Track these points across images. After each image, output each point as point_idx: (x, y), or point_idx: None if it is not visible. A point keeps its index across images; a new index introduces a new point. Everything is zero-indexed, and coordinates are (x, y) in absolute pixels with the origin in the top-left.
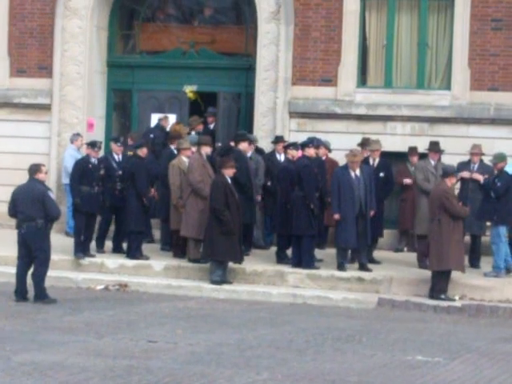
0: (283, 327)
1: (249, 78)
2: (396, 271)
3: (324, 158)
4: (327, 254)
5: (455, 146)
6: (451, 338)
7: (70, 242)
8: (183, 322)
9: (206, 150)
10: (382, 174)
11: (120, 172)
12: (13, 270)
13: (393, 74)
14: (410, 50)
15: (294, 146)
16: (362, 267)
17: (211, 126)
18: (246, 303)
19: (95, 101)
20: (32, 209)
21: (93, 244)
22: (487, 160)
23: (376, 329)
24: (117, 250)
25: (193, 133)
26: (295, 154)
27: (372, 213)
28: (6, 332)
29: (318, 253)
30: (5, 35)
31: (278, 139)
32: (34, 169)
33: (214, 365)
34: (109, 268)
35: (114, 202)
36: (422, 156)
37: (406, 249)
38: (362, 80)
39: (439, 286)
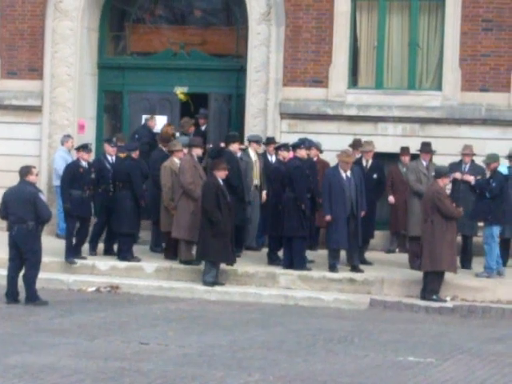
0: (275, 328)
1: (240, 79)
2: (388, 272)
3: (315, 159)
4: (319, 255)
5: (446, 146)
6: (443, 338)
7: (60, 243)
8: (175, 324)
9: (197, 152)
10: (375, 176)
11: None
12: (4, 272)
13: (384, 74)
14: (400, 50)
15: (285, 147)
16: (354, 268)
17: (203, 128)
18: (238, 305)
19: (86, 102)
20: (23, 211)
21: (85, 246)
22: (479, 160)
23: (368, 330)
24: (108, 251)
25: (177, 134)
26: (286, 155)
27: (363, 213)
28: None
29: (310, 254)
30: None
31: (269, 140)
32: (25, 171)
33: (206, 366)
34: (100, 270)
35: (108, 203)
36: (414, 157)
37: (397, 250)
38: (353, 81)
39: (432, 286)
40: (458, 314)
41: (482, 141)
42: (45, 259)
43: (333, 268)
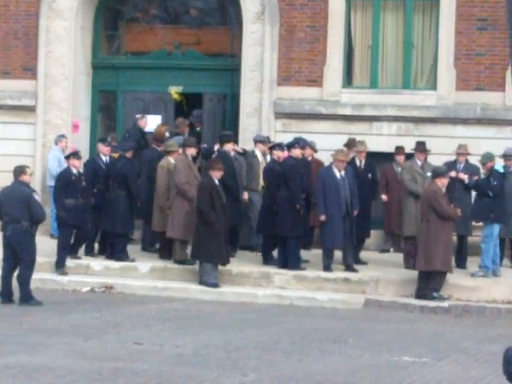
0: (270, 328)
1: (234, 78)
2: (382, 272)
3: (310, 158)
4: (313, 254)
5: (441, 146)
6: (438, 338)
7: (55, 244)
8: (169, 324)
9: (191, 152)
10: (370, 175)
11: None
12: None
13: (378, 74)
14: (395, 50)
15: (280, 146)
16: (348, 268)
17: (197, 129)
18: (233, 305)
19: (80, 102)
20: (17, 211)
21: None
22: (473, 160)
23: (362, 329)
24: (102, 251)
25: (167, 134)
26: (281, 154)
27: (355, 213)
28: None
29: (304, 254)
30: None
31: None
32: (19, 171)
33: (201, 366)
34: (94, 270)
35: (101, 203)
36: (409, 156)
37: (392, 249)
38: (348, 80)
39: (433, 284)
40: (453, 314)
41: (476, 140)
42: (39, 259)
43: (327, 268)
